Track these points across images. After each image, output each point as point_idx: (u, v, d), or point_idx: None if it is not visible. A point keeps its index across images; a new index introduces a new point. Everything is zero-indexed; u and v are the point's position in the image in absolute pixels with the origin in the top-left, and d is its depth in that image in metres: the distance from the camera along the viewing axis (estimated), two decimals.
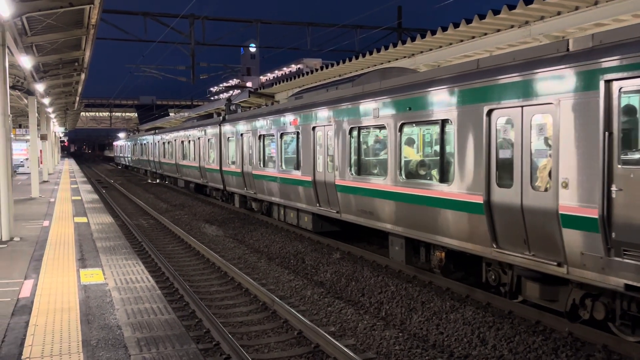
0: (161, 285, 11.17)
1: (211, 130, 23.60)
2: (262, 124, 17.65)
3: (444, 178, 9.65)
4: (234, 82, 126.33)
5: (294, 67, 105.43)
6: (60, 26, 15.24)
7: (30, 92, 23.85)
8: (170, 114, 61.21)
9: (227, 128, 21.56)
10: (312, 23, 27.82)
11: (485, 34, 14.03)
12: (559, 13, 11.96)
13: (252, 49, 40.92)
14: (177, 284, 11.24)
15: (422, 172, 10.93)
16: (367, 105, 11.78)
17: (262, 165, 17.76)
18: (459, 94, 9.12)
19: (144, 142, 45.31)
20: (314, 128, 14.15)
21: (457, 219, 9.21)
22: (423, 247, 10.76)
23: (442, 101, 9.50)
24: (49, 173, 35.31)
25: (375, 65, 18.96)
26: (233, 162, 20.73)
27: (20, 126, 44.35)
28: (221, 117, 23.00)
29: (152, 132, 42.36)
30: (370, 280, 11.24)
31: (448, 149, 9.65)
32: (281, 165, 16.20)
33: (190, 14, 25.19)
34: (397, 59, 17.76)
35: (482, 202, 8.55)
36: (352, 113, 12.36)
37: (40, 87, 23.32)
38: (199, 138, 25.51)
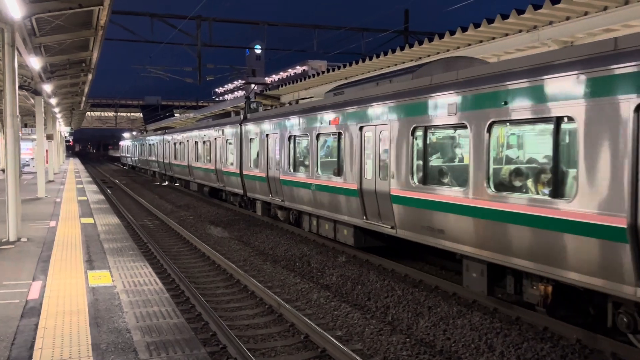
0: (168, 287, 11.18)
1: (230, 130, 21.79)
2: (293, 124, 15.74)
3: (561, 192, 7.61)
4: (239, 82, 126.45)
5: (299, 69, 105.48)
6: (68, 27, 15.28)
7: (37, 92, 23.91)
8: (176, 115, 61.30)
9: (249, 128, 19.73)
10: (318, 25, 27.83)
11: (494, 38, 14.01)
12: (567, 18, 11.93)
13: (258, 51, 40.93)
14: (183, 286, 11.25)
15: (521, 183, 8.78)
16: (439, 101, 9.76)
17: (292, 170, 15.90)
18: (588, 84, 7.03)
19: (153, 142, 43.25)
20: (361, 128, 12.31)
21: (578, 246, 7.16)
22: (511, 276, 8.90)
23: (559, 93, 7.44)
24: (54, 173, 35.39)
25: (382, 68, 18.94)
26: (256, 166, 18.85)
27: (25, 125, 44.49)
28: (241, 116, 21.19)
29: (161, 131, 40.35)
30: (377, 284, 11.23)
31: (567, 153, 7.78)
32: (316, 171, 14.38)
33: (197, 15, 25.25)
34: (403, 62, 17.73)
35: (624, 226, 6.49)
36: (415, 110, 10.35)
37: (47, 88, 23.39)
38: (215, 139, 23.77)
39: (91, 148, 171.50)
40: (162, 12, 25.18)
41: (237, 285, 11.72)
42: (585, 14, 11.57)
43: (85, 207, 17.87)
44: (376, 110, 11.72)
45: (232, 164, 21.62)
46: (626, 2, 10.69)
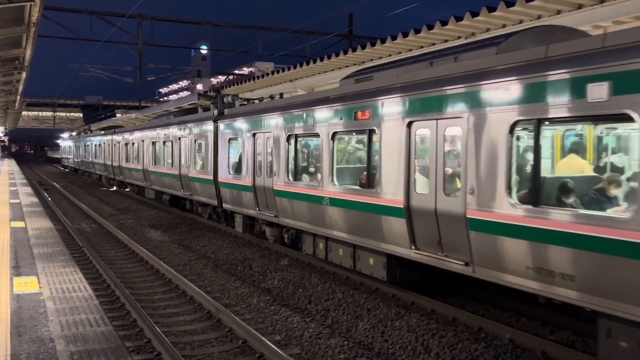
0: (101, 293, 10.82)
1: (200, 129, 18.34)
2: (295, 120, 12.48)
3: None
4: (184, 83, 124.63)
5: (245, 70, 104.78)
6: None
7: None
8: (117, 115, 59.72)
9: (226, 125, 16.39)
10: (263, 27, 27.68)
11: (434, 44, 14.24)
12: (503, 26, 12.24)
13: (203, 51, 40.37)
14: (118, 291, 10.91)
15: None
16: (561, 80, 6.63)
17: (291, 178, 12.69)
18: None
19: (99, 142, 38.73)
20: (410, 124, 9.05)
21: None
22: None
23: None
24: None
25: (326, 72, 18.98)
26: (237, 172, 15.56)
27: None
28: (214, 112, 17.75)
29: (110, 131, 35.78)
30: (318, 287, 11.20)
31: None
32: (331, 181, 11.14)
33: (138, 13, 24.66)
34: (347, 66, 17.83)
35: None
36: (533, 95, 6.99)
37: None
38: (179, 138, 20.30)
39: (29, 149, 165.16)
40: (102, 10, 24.47)
41: (176, 290, 11.46)
42: (520, 22, 11.89)
43: (17, 210, 17.11)
44: (439, 99, 8.48)
45: (202, 168, 18.15)
46: (602, 1, 10.60)
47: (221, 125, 16.81)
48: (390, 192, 9.46)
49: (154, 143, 23.99)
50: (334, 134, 11.18)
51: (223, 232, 17.96)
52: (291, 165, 12.83)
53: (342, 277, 11.88)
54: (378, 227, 9.81)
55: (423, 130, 8.97)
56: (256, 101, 17.31)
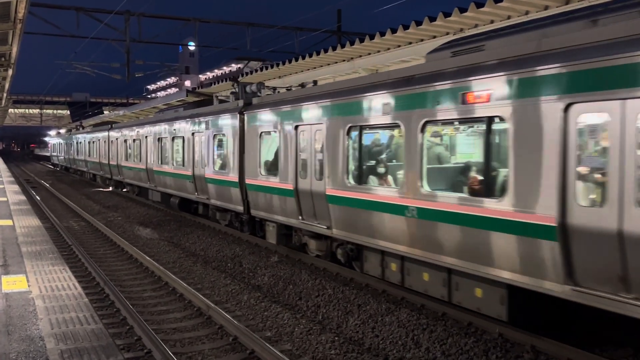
0: (90, 291, 10.78)
1: (220, 123, 15.89)
2: (363, 107, 9.93)
3: None
4: (172, 80, 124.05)
5: (234, 67, 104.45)
6: None
7: None
8: (105, 112, 59.27)
9: (257, 118, 13.88)
10: (252, 23, 27.60)
11: (422, 40, 14.26)
12: (492, 22, 12.29)
13: (191, 47, 40.19)
14: (107, 289, 10.87)
15: None
16: None
17: (353, 181, 10.28)
18: None
19: (93, 139, 35.77)
20: (568, 107, 6.57)
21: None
22: None
23: None
24: None
25: (314, 68, 18.95)
26: (271, 172, 13.21)
27: None
28: (239, 102, 15.11)
29: (106, 126, 32.75)
30: (308, 283, 11.21)
31: None
32: (421, 185, 8.64)
33: (125, 10, 24.49)
34: (336, 62, 17.81)
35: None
36: None
37: None
38: (193, 134, 17.87)
39: (15, 147, 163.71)
40: (88, 6, 24.28)
41: (166, 287, 11.43)
42: (509, 17, 11.94)
43: (5, 208, 16.97)
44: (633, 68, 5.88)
45: (223, 169, 15.81)
46: (567, 2, 10.73)
47: (249, 118, 14.27)
48: (528, 202, 6.97)
49: (159, 139, 21.40)
50: (425, 123, 8.58)
51: (212, 229, 17.92)
52: (353, 165, 10.38)
53: (333, 273, 11.91)
54: (498, 250, 7.42)
55: (592, 116, 6.44)
56: (279, 90, 15.17)
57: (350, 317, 9.27)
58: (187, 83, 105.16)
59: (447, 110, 8.25)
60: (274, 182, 12.94)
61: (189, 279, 12.04)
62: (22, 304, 6.84)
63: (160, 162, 21.42)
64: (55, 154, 64.57)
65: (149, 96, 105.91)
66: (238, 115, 14.73)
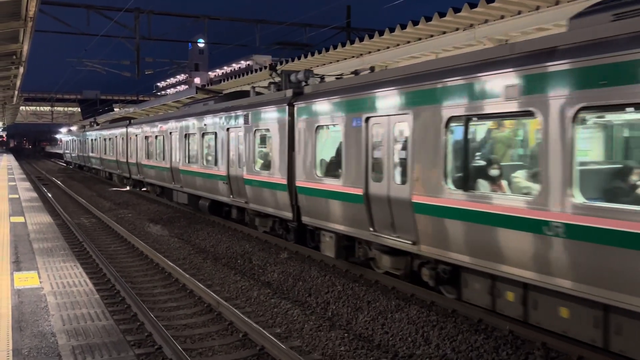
0: (101, 288, 10.85)
1: (263, 116, 13.96)
2: (474, 91, 7.81)
3: None
4: (181, 77, 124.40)
5: (243, 64, 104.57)
6: None
7: None
8: (115, 109, 59.52)
9: (311, 110, 11.87)
10: (261, 20, 27.59)
11: (432, 35, 14.23)
12: (502, 17, 12.23)
13: (201, 45, 40.25)
14: (118, 285, 10.94)
15: None
16: None
17: (451, 186, 8.27)
18: None
19: (109, 136, 33.66)
20: None
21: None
22: None
23: None
24: None
25: (324, 64, 18.93)
26: (331, 174, 11.40)
27: None
28: (288, 92, 13.05)
29: (124, 122, 31.04)
30: (318, 279, 11.22)
31: None
32: (570, 193, 6.50)
33: (135, 7, 24.58)
34: (345, 59, 17.81)
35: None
36: None
37: None
38: (227, 129, 15.97)
39: (27, 144, 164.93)
40: (98, 4, 24.39)
41: (176, 284, 11.49)
42: (519, 13, 11.88)
43: (17, 205, 17.10)
44: None
45: (266, 169, 13.91)
46: (557, 3, 11.03)
47: (301, 110, 12.30)
48: None
49: (187, 136, 19.50)
50: (579, 111, 6.32)
51: (222, 226, 17.97)
52: (455, 167, 8.33)
53: (342, 269, 11.91)
54: None
55: None
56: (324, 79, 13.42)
57: (359, 313, 9.28)
58: (197, 80, 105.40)
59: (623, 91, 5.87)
60: (334, 185, 11.01)
61: (199, 276, 12.09)
62: (34, 300, 6.90)
63: (187, 161, 19.50)
64: (68, 151, 62.07)
65: (158, 93, 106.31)
66: (287, 107, 12.77)
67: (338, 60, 18.20)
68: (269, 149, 13.89)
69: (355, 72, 12.43)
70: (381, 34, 15.01)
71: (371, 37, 15.50)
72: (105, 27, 25.24)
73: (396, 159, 9.44)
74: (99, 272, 12.28)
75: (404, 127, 9.16)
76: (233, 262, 13.44)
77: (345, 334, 8.34)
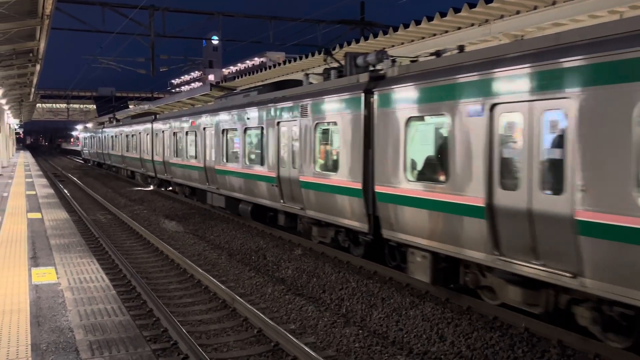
0: (117, 283, 10.93)
1: (326, 107, 11.91)
2: None
3: None
4: (196, 74, 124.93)
5: (257, 61, 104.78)
6: (13, 15, 14.70)
7: None
8: (130, 107, 59.92)
9: (399, 97, 9.72)
10: (275, 17, 27.59)
11: (447, 31, 14.15)
12: (517, 12, 12.12)
13: (215, 42, 40.41)
14: (134, 281, 11.02)
15: None
16: None
17: None
18: None
19: (132, 132, 31.72)
20: None
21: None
22: None
23: None
24: (2, 166, 34.21)
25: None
26: (429, 178, 9.39)
27: None
28: (363, 77, 10.89)
29: (149, 117, 28.69)
30: (332, 276, 11.23)
31: None
32: None
33: (150, 5, 24.69)
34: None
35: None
36: None
37: None
38: (277, 123, 13.87)
39: (43, 140, 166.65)
40: (113, 1, 24.54)
41: (191, 280, 11.55)
42: (535, 8, 11.77)
43: (34, 201, 17.30)
44: None
45: (331, 169, 11.95)
46: None
47: (384, 98, 10.08)
48: None
49: (224, 131, 17.41)
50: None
51: (236, 222, 18.04)
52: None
53: (356, 266, 11.90)
54: None
55: None
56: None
57: (374, 310, 9.27)
58: (211, 77, 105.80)
59: None
60: (435, 192, 8.83)
61: (214, 272, 12.14)
62: (51, 296, 6.98)
63: (224, 160, 17.38)
64: (86, 149, 59.02)
65: (173, 90, 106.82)
66: (362, 95, 10.60)
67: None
68: (336, 146, 11.70)
69: (437, 54, 10.11)
70: (395, 30, 14.95)
71: (385, 33, 15.45)
72: (121, 25, 25.42)
73: (544, 159, 7.07)
74: (115, 268, 12.38)
75: (560, 115, 6.85)
76: (247, 258, 13.49)
77: (360, 331, 8.34)
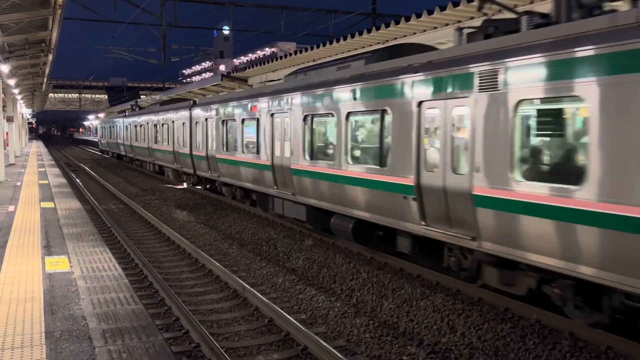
0: (130, 272, 11.02)
1: (570, 73, 6.67)
2: None
3: None
4: (207, 64, 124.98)
5: (268, 51, 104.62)
6: (25, 5, 14.79)
7: None
8: (142, 97, 60.06)
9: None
10: (286, 7, 27.53)
11: (459, 21, 14.02)
12: (531, 2, 11.99)
13: (226, 32, 40.30)
14: (146, 270, 11.09)
15: None
16: None
17: None
18: None
19: (162, 121, 27.41)
20: None
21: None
22: None
23: None
24: (15, 156, 34.50)
25: (349, 51, 18.82)
26: None
27: None
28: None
29: (186, 103, 24.30)
30: (342, 267, 11.24)
31: None
32: None
33: None
34: (370, 45, 17.67)
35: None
36: None
37: (5, 68, 22.66)
38: (419, 105, 9.34)
39: (55, 130, 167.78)
40: None
41: (202, 269, 11.61)
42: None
43: (47, 191, 17.45)
44: None
45: (559, 179, 7.05)
46: None
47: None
48: None
49: (307, 118, 12.96)
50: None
51: (247, 213, 18.08)
52: None
53: (367, 257, 11.90)
54: None
55: None
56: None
57: (384, 301, 9.27)
58: (222, 67, 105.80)
59: None
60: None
61: (225, 261, 12.20)
62: (64, 284, 7.04)
63: (307, 156, 12.96)
64: (104, 140, 52.99)
65: (184, 80, 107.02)
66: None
67: (364, 47, 18.07)
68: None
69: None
70: (407, 19, 14.85)
71: (397, 22, 15.35)
72: (132, 15, 25.45)
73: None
74: (127, 257, 12.47)
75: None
76: (258, 248, 13.54)
77: (370, 321, 8.35)
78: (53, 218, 12.22)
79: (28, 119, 75.98)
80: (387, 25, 15.86)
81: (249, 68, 27.15)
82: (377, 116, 10.64)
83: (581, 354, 6.99)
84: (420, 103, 9.33)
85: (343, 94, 11.56)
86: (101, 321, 5.69)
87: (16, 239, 9.94)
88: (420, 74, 9.29)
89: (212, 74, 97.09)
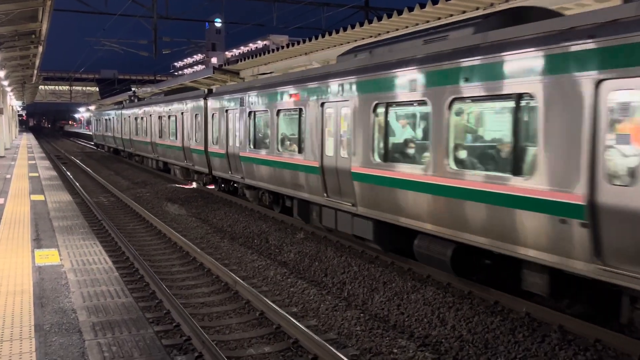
0: (120, 266, 10.99)
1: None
2: None
3: None
4: (199, 57, 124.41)
5: (260, 44, 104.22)
6: None
7: None
8: (132, 89, 59.61)
9: None
10: None
11: (451, 15, 14.00)
12: None
13: (218, 24, 40.17)
14: (137, 264, 11.07)
15: None
16: None
17: None
18: None
19: (169, 113, 24.48)
20: None
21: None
22: None
23: None
24: (5, 148, 34.24)
25: (342, 44, 18.76)
26: None
27: None
28: None
29: (199, 92, 21.34)
30: (334, 260, 11.26)
31: None
32: None
33: None
34: (363, 39, 17.61)
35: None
36: None
37: None
38: (597, 84, 6.17)
39: (46, 123, 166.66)
40: None
41: (193, 263, 11.59)
42: None
43: (37, 183, 17.34)
44: None
45: None
46: None
47: None
48: None
49: (378, 108, 10.21)
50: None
51: (239, 206, 18.05)
52: None
53: (358, 250, 11.93)
54: None
55: None
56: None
57: (375, 294, 9.30)
58: (214, 60, 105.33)
59: None
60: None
61: (216, 255, 12.19)
62: (54, 277, 7.01)
63: (376, 157, 10.23)
64: (99, 133, 48.98)
65: (176, 73, 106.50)
66: None
67: (356, 40, 18.01)
68: None
69: None
70: (400, 13, 14.81)
71: (390, 16, 15.31)
72: (123, 6, 25.25)
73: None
74: (117, 250, 12.43)
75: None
76: (250, 241, 13.53)
77: (361, 314, 8.38)
78: (43, 211, 12.16)
79: (18, 111, 75.41)
80: (380, 19, 15.81)
81: (241, 61, 27.02)
82: (511, 103, 7.46)
83: (570, 346, 7.04)
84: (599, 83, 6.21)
85: (445, 75, 8.47)
86: (91, 314, 5.68)
87: (6, 231, 9.88)
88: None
89: (203, 66, 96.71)
